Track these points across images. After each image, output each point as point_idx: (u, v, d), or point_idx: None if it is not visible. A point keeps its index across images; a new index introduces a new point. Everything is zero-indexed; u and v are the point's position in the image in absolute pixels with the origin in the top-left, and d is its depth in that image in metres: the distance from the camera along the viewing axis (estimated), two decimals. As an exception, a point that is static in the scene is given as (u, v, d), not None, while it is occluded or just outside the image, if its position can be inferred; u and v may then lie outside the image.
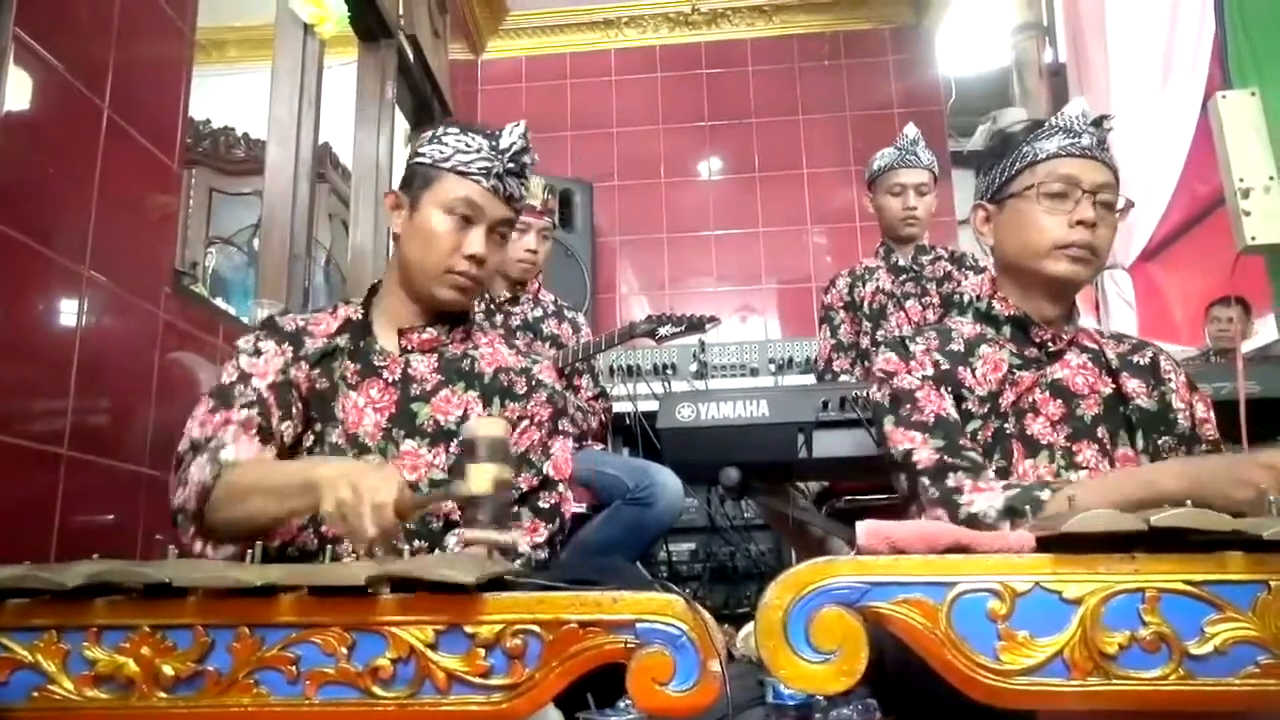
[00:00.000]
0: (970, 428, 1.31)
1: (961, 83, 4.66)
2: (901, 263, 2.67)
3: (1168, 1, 3.33)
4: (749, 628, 2.49)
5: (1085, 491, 1.10)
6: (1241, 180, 1.58)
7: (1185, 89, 3.27)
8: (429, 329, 1.44)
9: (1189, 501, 0.81)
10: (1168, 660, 0.76)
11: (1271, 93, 1.61)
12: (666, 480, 2.34)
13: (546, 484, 1.42)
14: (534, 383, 1.47)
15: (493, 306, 2.62)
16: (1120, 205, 1.35)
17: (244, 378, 1.36)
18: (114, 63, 1.80)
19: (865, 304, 2.68)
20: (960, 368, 1.34)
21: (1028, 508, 1.10)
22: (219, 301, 2.61)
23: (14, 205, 1.53)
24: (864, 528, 0.87)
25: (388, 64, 3.40)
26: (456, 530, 1.32)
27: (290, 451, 1.37)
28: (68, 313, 1.67)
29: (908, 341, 1.39)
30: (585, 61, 4.84)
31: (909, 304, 2.61)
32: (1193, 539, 0.78)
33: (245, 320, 2.40)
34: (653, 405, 2.54)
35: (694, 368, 3.86)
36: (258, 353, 1.39)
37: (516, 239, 2.56)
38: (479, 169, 1.38)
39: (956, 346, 1.37)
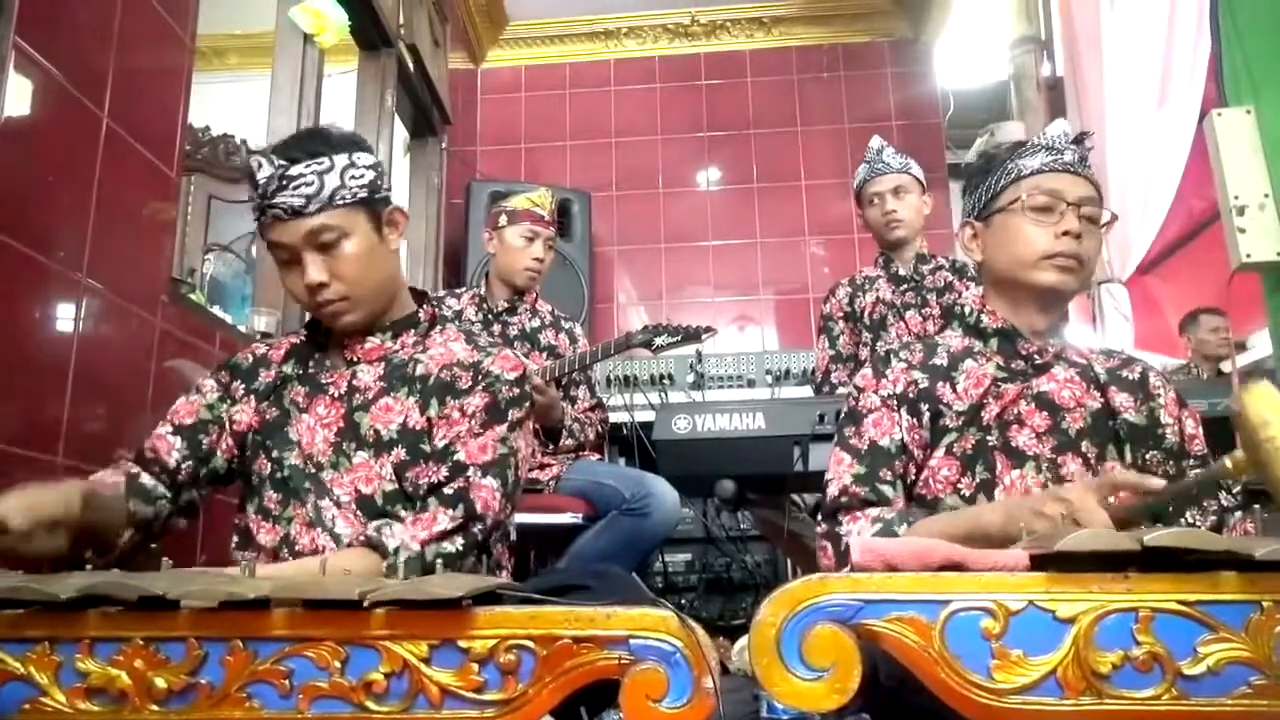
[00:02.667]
0: (946, 440, 1.34)
1: (960, 95, 4.67)
2: (902, 272, 2.67)
3: (1164, 18, 3.35)
4: (744, 641, 2.49)
5: (928, 522, 1.22)
6: (1237, 198, 1.58)
7: (1182, 104, 3.28)
8: (371, 338, 1.43)
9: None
10: (1161, 680, 0.76)
11: (1267, 111, 1.62)
12: (663, 491, 2.34)
13: (457, 471, 1.32)
14: (480, 375, 1.39)
15: (490, 316, 2.62)
16: (1105, 219, 1.38)
17: (168, 417, 1.45)
18: (113, 71, 1.80)
19: (865, 314, 2.67)
20: (940, 383, 1.37)
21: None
22: (216, 309, 2.61)
23: (12, 213, 1.53)
24: (858, 544, 0.87)
25: (387, 73, 3.41)
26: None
27: (223, 478, 1.45)
28: (64, 320, 1.67)
29: (891, 355, 1.42)
30: (585, 72, 4.85)
31: (909, 315, 2.61)
32: (1187, 559, 0.78)
33: (243, 328, 2.40)
34: (649, 415, 2.55)
35: (691, 378, 3.86)
36: (197, 390, 1.47)
37: (524, 246, 2.57)
38: (260, 210, 1.33)
39: (940, 361, 1.40)
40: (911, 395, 1.37)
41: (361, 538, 1.26)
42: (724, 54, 4.84)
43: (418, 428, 1.37)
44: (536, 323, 2.65)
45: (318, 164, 1.32)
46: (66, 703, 0.81)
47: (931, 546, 0.85)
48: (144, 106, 1.92)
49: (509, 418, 1.38)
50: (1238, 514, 1.29)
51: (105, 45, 1.80)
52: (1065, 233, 1.32)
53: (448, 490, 1.31)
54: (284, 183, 1.30)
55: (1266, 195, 1.60)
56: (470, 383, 1.39)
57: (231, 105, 3.81)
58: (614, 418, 2.94)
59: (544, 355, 2.59)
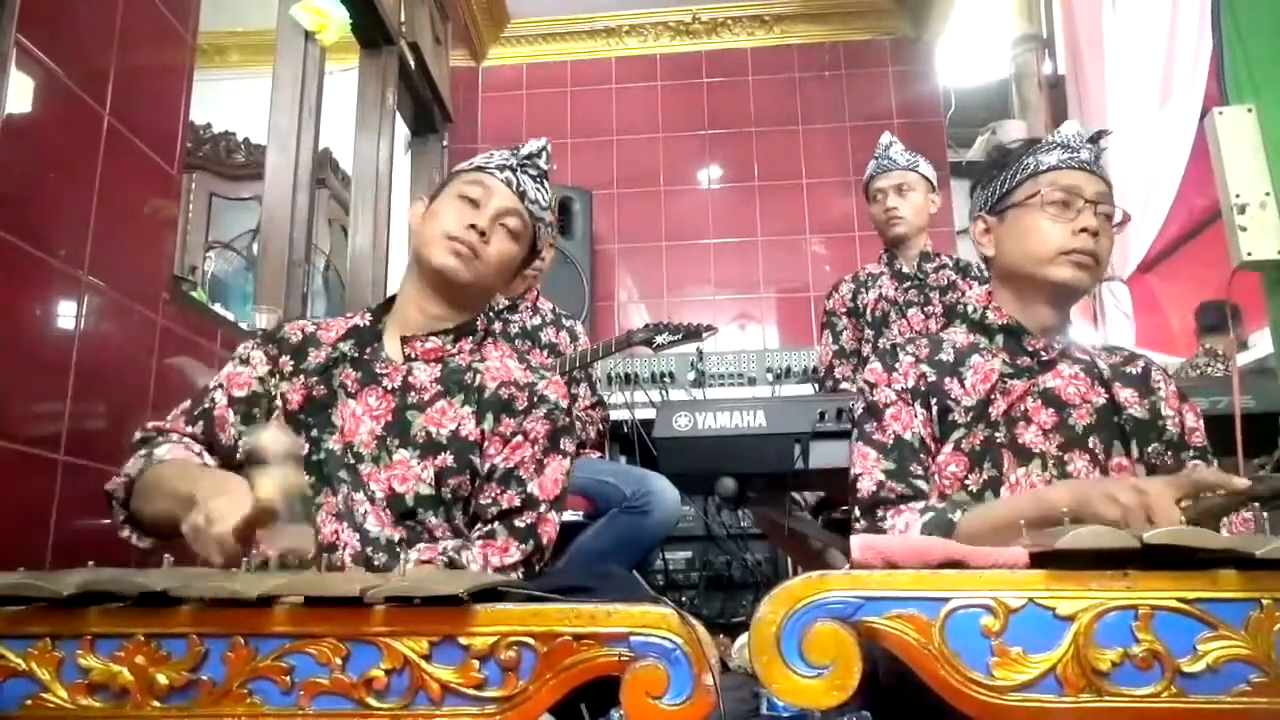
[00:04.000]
0: (955, 436, 1.34)
1: (961, 94, 4.67)
2: (905, 270, 2.67)
3: (1166, 17, 3.35)
4: (744, 638, 2.49)
5: (985, 508, 1.20)
6: (1238, 196, 1.58)
7: (1183, 102, 3.28)
8: (433, 338, 1.44)
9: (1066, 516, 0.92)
10: (1160, 678, 0.76)
11: (1268, 109, 1.61)
12: (663, 489, 2.34)
13: (529, 503, 1.37)
14: (536, 399, 1.42)
15: (492, 314, 2.62)
16: (1118, 218, 1.38)
17: (219, 386, 1.41)
18: (115, 68, 1.80)
19: (868, 311, 2.67)
20: (947, 378, 1.37)
21: (938, 531, 1.18)
22: (217, 307, 2.61)
23: (13, 210, 1.53)
24: (858, 541, 0.87)
25: (389, 71, 3.41)
26: (418, 547, 1.33)
27: None
28: (66, 317, 1.67)
29: (898, 349, 1.42)
30: (586, 69, 4.85)
31: (911, 312, 2.61)
32: (1186, 556, 0.78)
33: (244, 325, 2.41)
34: (650, 413, 2.55)
35: (691, 376, 3.86)
36: (245, 361, 1.43)
37: None
38: (495, 165, 1.47)
39: (946, 356, 1.40)
40: (923, 389, 1.37)
41: (444, 558, 1.29)
42: (725, 52, 4.84)
43: (470, 438, 1.38)
44: (537, 320, 2.65)
45: (549, 196, 1.53)
46: (68, 699, 0.82)
47: (930, 544, 0.85)
48: (145, 104, 1.92)
49: (567, 449, 1.45)
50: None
51: (107, 43, 1.80)
52: (1083, 229, 1.32)
53: (519, 523, 1.35)
54: (535, 175, 1.49)
55: (1267, 194, 1.59)
56: (526, 404, 1.42)
57: (233, 103, 3.81)
58: (615, 415, 2.94)
59: (545, 353, 2.59)
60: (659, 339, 2.37)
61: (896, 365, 1.39)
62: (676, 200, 4.68)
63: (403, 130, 3.84)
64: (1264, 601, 0.77)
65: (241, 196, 4.15)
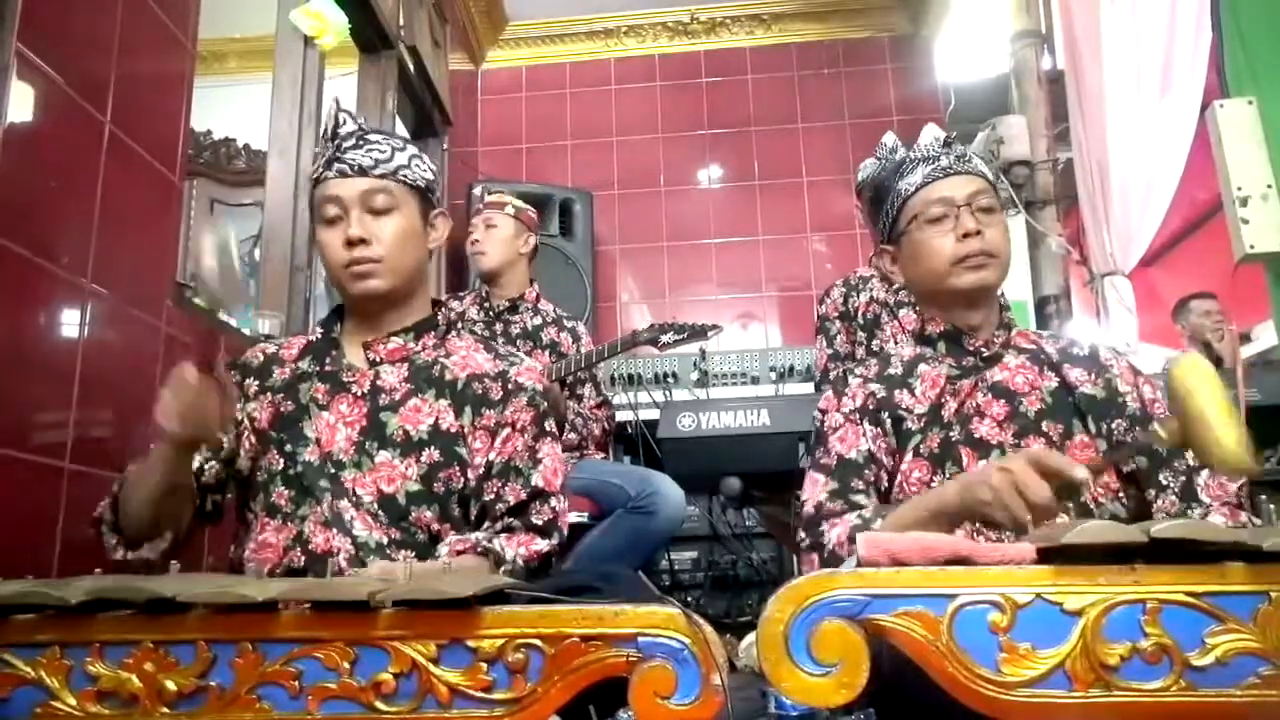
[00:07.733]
0: (912, 444, 1.37)
1: (960, 90, 4.66)
2: (896, 271, 2.66)
3: (1165, 10, 3.34)
4: (751, 638, 2.49)
5: (898, 511, 1.24)
6: (1239, 189, 1.58)
7: (1183, 95, 3.27)
8: (394, 338, 1.44)
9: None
10: (1169, 672, 0.76)
11: (1269, 102, 1.61)
12: (668, 489, 2.34)
13: (537, 495, 1.39)
14: (511, 386, 1.43)
15: (492, 315, 2.63)
16: (1002, 201, 1.46)
17: None
18: (115, 76, 1.80)
19: (859, 314, 2.67)
20: (898, 390, 1.42)
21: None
22: (220, 313, 2.62)
23: (15, 219, 1.54)
24: (864, 539, 0.87)
25: (388, 75, 3.41)
26: (449, 539, 1.34)
27: (248, 479, 1.41)
28: (69, 325, 1.68)
29: (849, 375, 1.48)
30: (585, 71, 4.85)
31: (903, 313, 2.60)
32: (1193, 550, 0.78)
33: (247, 332, 2.41)
34: (654, 414, 2.54)
35: (695, 376, 3.86)
36: None
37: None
38: (324, 166, 1.41)
39: (894, 370, 1.45)
40: (871, 406, 1.41)
41: (479, 548, 1.30)
42: (724, 51, 4.84)
43: (451, 430, 1.39)
44: (538, 321, 2.65)
45: (392, 141, 1.43)
46: (77, 706, 0.82)
47: (937, 540, 0.85)
48: (146, 111, 1.93)
49: (552, 430, 1.46)
50: (1204, 473, 1.29)
51: (107, 50, 1.80)
52: (965, 234, 1.38)
53: (538, 519, 1.38)
54: (360, 142, 1.40)
55: (1269, 186, 1.59)
56: (501, 393, 1.43)
57: (233, 109, 3.82)
58: (618, 416, 2.94)
59: (546, 353, 2.59)
60: (664, 339, 2.37)
61: (845, 390, 1.45)
62: (677, 200, 4.68)
63: (402, 134, 3.84)
64: (1272, 594, 0.76)
65: (243, 203, 4.16)
